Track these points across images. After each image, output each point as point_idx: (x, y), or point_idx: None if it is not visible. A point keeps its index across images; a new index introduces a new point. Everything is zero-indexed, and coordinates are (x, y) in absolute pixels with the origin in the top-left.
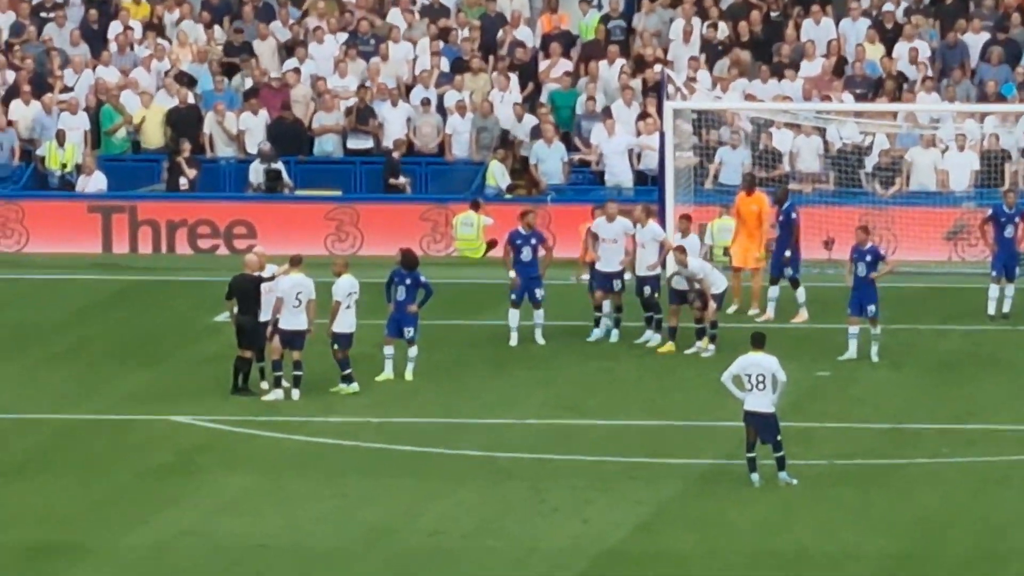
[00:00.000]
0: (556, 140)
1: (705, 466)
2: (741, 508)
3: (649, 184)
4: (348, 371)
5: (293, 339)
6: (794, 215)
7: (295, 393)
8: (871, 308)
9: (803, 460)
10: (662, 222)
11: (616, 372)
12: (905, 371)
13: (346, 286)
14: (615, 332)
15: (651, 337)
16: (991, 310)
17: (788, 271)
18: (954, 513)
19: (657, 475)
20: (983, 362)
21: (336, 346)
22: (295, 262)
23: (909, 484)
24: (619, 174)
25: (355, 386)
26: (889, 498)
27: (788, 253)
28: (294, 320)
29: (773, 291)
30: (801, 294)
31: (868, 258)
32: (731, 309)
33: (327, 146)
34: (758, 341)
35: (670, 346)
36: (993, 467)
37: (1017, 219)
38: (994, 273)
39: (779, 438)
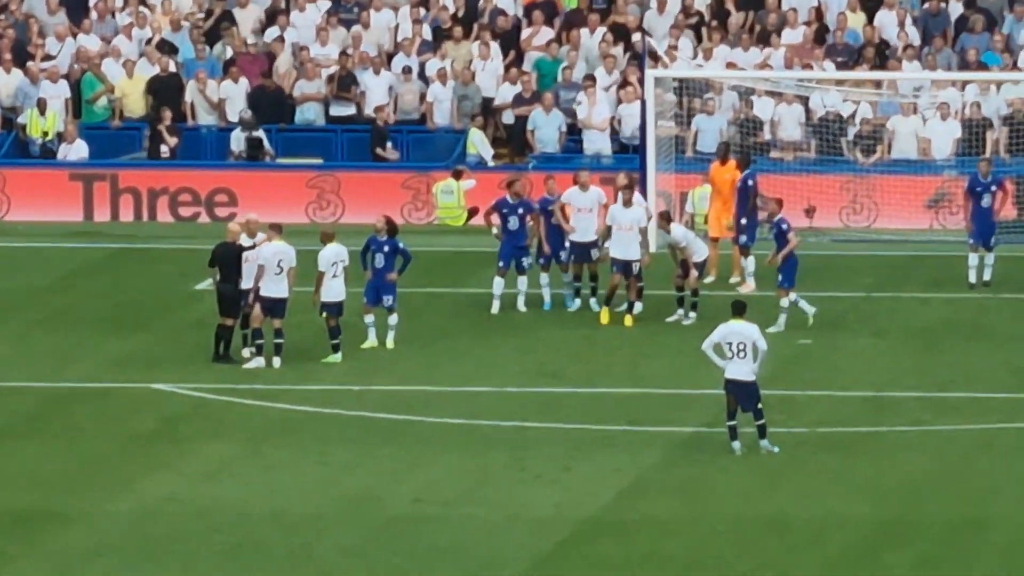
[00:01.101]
0: (554, 109)
1: (686, 434)
2: (723, 475)
3: (630, 152)
4: (337, 340)
5: (274, 306)
6: (751, 182)
7: (276, 361)
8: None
9: (785, 428)
10: (643, 191)
11: (596, 340)
12: (887, 339)
13: (330, 255)
14: (592, 301)
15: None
16: (972, 279)
17: (742, 238)
18: (937, 480)
19: (638, 443)
20: (965, 330)
21: (325, 314)
22: (276, 229)
23: (892, 451)
24: (598, 142)
25: (338, 356)
26: (872, 465)
27: (743, 221)
28: (275, 288)
29: (750, 262)
30: (751, 263)
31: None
32: (709, 279)
33: (309, 114)
34: (739, 309)
35: (606, 312)
36: (975, 434)
37: (993, 188)
38: (971, 241)
39: (760, 406)
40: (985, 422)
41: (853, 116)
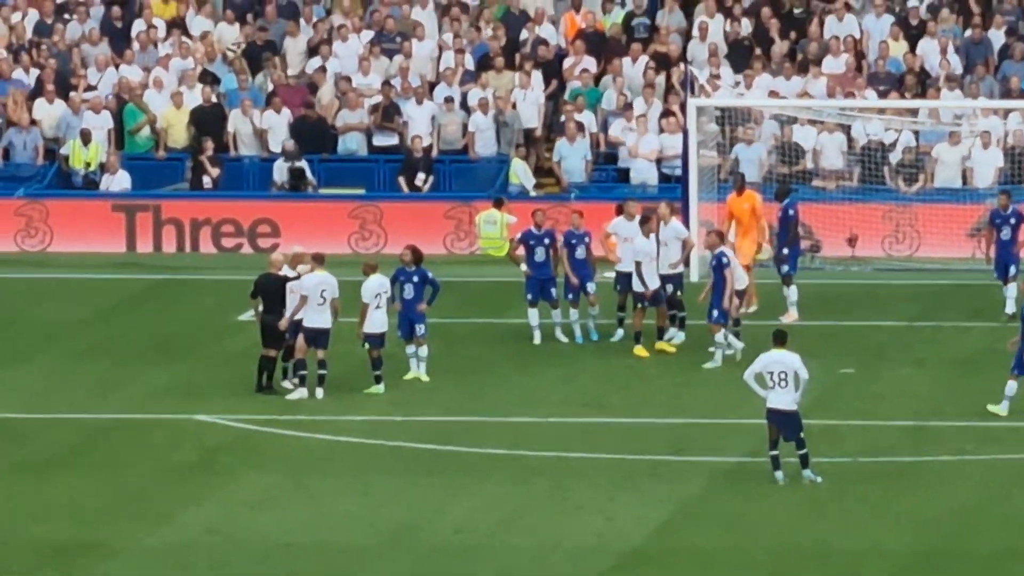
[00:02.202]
0: (579, 138)
1: (729, 463)
2: (765, 506)
3: (672, 182)
4: (379, 372)
5: (317, 337)
6: (792, 212)
7: (319, 392)
8: (713, 313)
9: (827, 457)
10: (685, 220)
11: (639, 369)
12: (928, 368)
13: (374, 286)
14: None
15: (675, 335)
16: (1007, 309)
17: (784, 268)
18: (979, 510)
19: (681, 472)
20: (1006, 359)
21: (368, 346)
22: (318, 260)
23: (933, 481)
24: (645, 172)
25: (381, 387)
26: (913, 495)
27: (785, 251)
28: (318, 318)
29: (792, 292)
30: (793, 292)
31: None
32: (752, 309)
33: (351, 144)
34: (780, 338)
35: (641, 349)
36: (1017, 464)
37: (1013, 220)
38: (995, 275)
39: (802, 435)
40: None
41: (895, 144)
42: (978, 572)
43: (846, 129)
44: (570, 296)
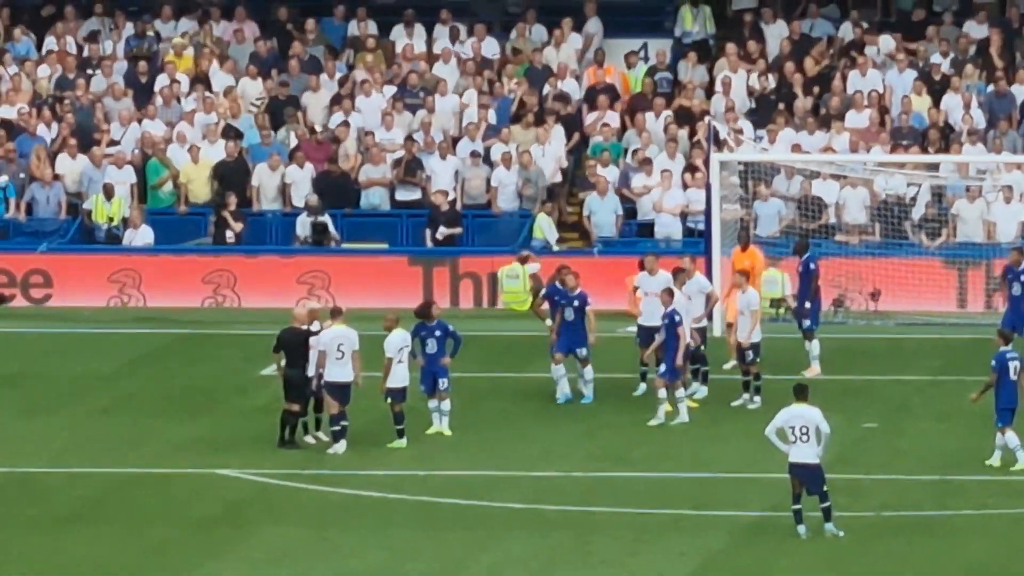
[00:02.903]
0: (610, 192)
1: (751, 518)
2: (788, 560)
3: (696, 236)
4: (402, 426)
5: (337, 391)
6: (812, 266)
7: (336, 448)
8: (661, 368)
9: (850, 512)
10: (709, 274)
11: (661, 424)
12: (952, 422)
13: (397, 341)
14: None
15: (698, 389)
16: None
17: (805, 323)
18: (1001, 564)
19: (703, 527)
20: None
21: (390, 400)
22: (335, 314)
23: (956, 535)
24: (669, 226)
25: (403, 442)
26: (936, 549)
27: (807, 305)
28: (338, 372)
29: (814, 346)
30: (815, 347)
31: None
32: (728, 365)
33: (374, 199)
34: (801, 393)
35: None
36: None
37: (1022, 278)
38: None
39: (825, 489)
40: None
41: (915, 199)
42: None
43: (868, 184)
44: (556, 352)
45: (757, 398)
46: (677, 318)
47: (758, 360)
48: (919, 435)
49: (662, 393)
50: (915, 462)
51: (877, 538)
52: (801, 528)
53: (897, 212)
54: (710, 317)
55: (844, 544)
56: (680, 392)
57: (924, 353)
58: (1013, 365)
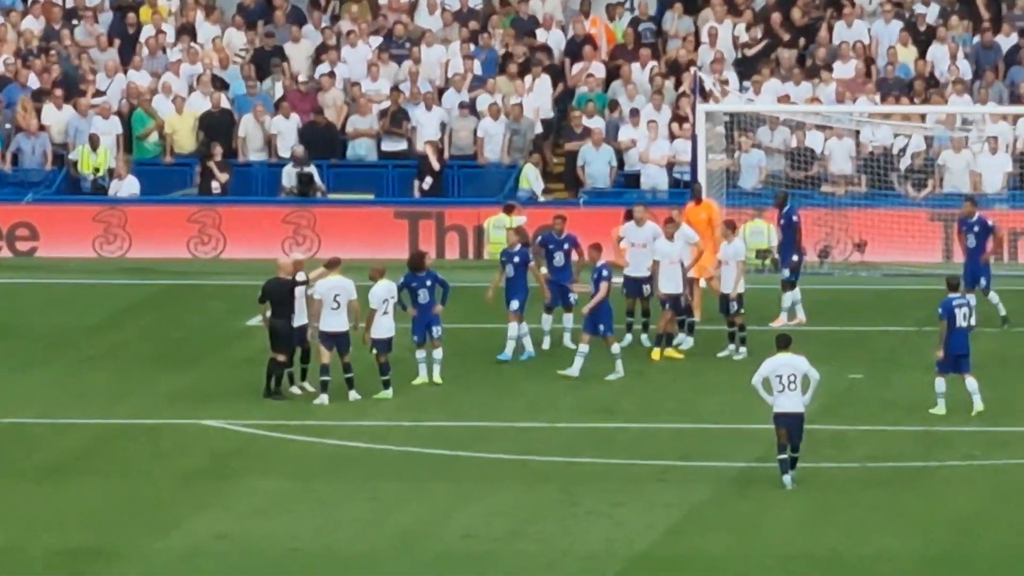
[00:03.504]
0: (604, 144)
1: (737, 469)
2: (774, 511)
3: (682, 187)
4: (387, 376)
5: (334, 341)
6: (795, 218)
7: (352, 394)
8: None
9: (836, 463)
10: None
11: (648, 375)
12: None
13: (381, 292)
14: (643, 337)
15: (684, 340)
16: (1001, 312)
17: (786, 273)
18: (988, 515)
19: (689, 478)
20: (1016, 364)
21: (376, 351)
22: (332, 264)
23: (942, 486)
24: (655, 177)
25: (389, 393)
26: (922, 500)
27: (795, 257)
28: (334, 322)
29: (786, 298)
30: (787, 298)
31: None
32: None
33: (360, 150)
34: (784, 342)
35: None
36: None
37: (977, 228)
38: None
39: (801, 442)
40: None
41: (904, 150)
42: None
43: (855, 135)
44: (546, 302)
45: (743, 349)
46: (605, 272)
47: (743, 311)
48: (905, 386)
49: (615, 348)
50: (901, 413)
51: (863, 489)
52: (786, 478)
53: (883, 163)
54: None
55: (830, 495)
56: (616, 347)
57: (910, 304)
58: (961, 312)
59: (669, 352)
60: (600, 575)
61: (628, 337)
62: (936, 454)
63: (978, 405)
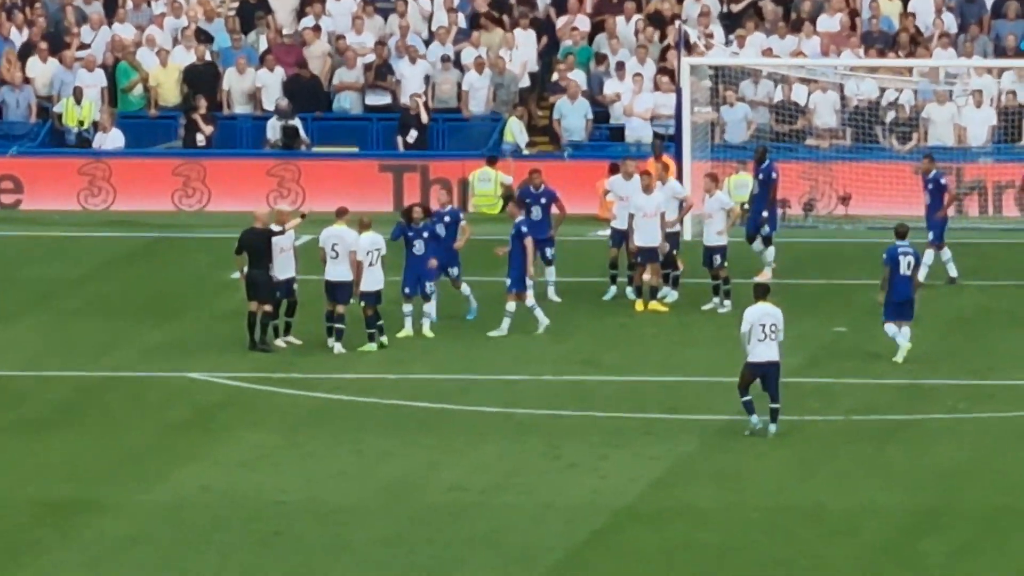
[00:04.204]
0: (580, 97)
1: (722, 421)
2: (758, 464)
3: (666, 141)
4: (373, 330)
5: (332, 291)
6: (774, 174)
7: (337, 346)
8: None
9: (820, 416)
10: (680, 178)
11: (632, 328)
12: (923, 327)
13: (367, 243)
14: (628, 290)
15: (668, 294)
16: (951, 273)
17: (765, 229)
18: (972, 468)
19: (674, 431)
20: (1001, 318)
21: (363, 303)
22: (339, 214)
23: (927, 439)
24: (639, 130)
25: (374, 346)
26: (907, 453)
27: (766, 213)
28: (332, 271)
29: (757, 246)
30: (770, 253)
31: None
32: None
33: (345, 103)
34: (764, 292)
35: (641, 302)
36: (1011, 422)
37: (931, 186)
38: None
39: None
40: (1021, 410)
41: (891, 104)
42: (970, 530)
43: (839, 88)
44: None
45: (727, 302)
46: (524, 229)
47: (726, 264)
48: (889, 339)
49: (510, 306)
50: (885, 366)
51: (847, 442)
52: (755, 418)
53: (868, 116)
54: (682, 222)
55: (814, 448)
56: (511, 305)
57: (939, 261)
58: (906, 260)
59: (654, 305)
60: (584, 528)
61: (613, 289)
62: (920, 407)
63: (900, 355)
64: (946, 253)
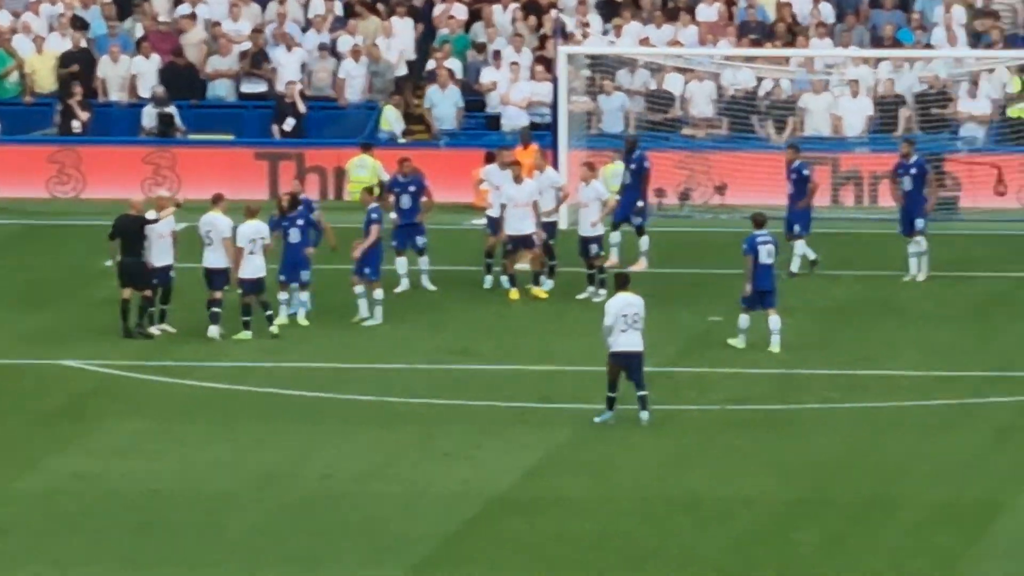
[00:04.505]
0: (451, 85)
1: (597, 411)
2: (632, 453)
3: (543, 129)
4: (249, 318)
5: (208, 278)
6: (646, 163)
7: (213, 329)
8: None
9: (696, 405)
10: (556, 166)
11: (507, 317)
12: (797, 317)
13: (249, 231)
14: (503, 279)
15: (544, 283)
16: (794, 267)
17: (636, 219)
18: (845, 458)
19: (548, 420)
20: (875, 308)
21: (241, 291)
22: (214, 201)
23: (801, 429)
24: (516, 118)
25: (249, 334)
26: (781, 443)
27: (640, 203)
28: (208, 259)
29: (614, 237)
30: (645, 242)
31: None
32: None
33: (220, 90)
34: (625, 281)
35: (515, 291)
36: (884, 412)
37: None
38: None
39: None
40: (894, 400)
41: (769, 94)
42: (844, 520)
43: (716, 78)
44: (394, 243)
45: (603, 291)
46: (375, 216)
47: (603, 253)
48: (764, 329)
49: (358, 290)
50: (760, 356)
51: (722, 432)
52: (608, 415)
53: (744, 106)
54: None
55: (690, 438)
56: (379, 292)
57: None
58: (765, 248)
59: (535, 291)
60: (458, 516)
61: (489, 278)
62: (795, 397)
63: (775, 346)
64: (801, 246)
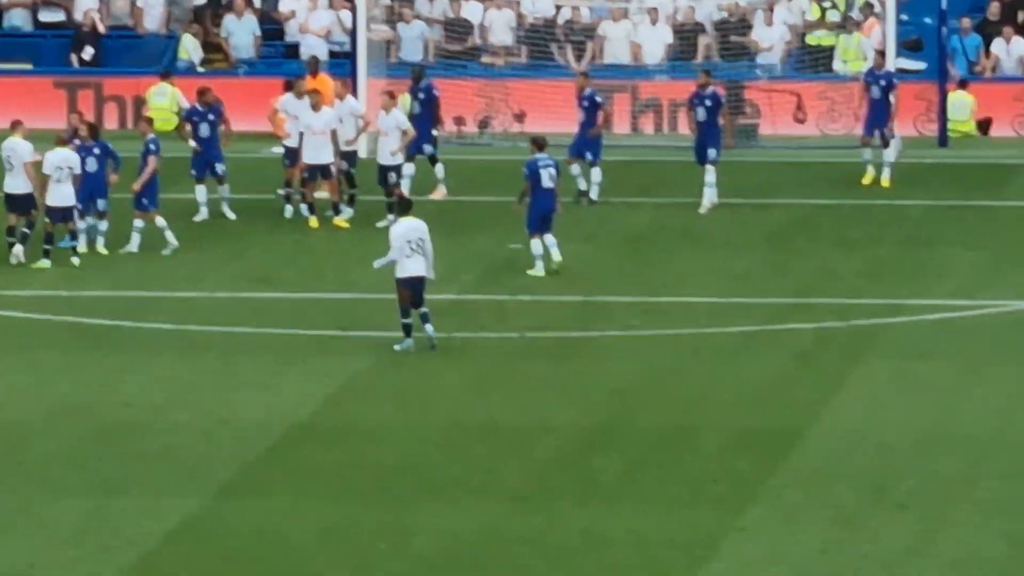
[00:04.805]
0: (247, 13)
1: (396, 339)
2: (433, 381)
3: (341, 58)
4: (50, 247)
5: (8, 203)
6: (435, 92)
7: (17, 248)
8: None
9: (495, 333)
10: (355, 95)
11: (306, 245)
12: (597, 244)
13: (56, 159)
14: (303, 207)
15: (344, 211)
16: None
17: (428, 148)
18: (647, 385)
19: (349, 348)
20: (674, 235)
21: (47, 219)
22: (13, 126)
23: (602, 357)
24: (315, 47)
25: (48, 262)
26: (582, 371)
27: (435, 132)
28: (9, 184)
29: (408, 168)
30: (440, 170)
31: None
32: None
33: (16, 20)
34: (408, 206)
35: (315, 219)
36: (684, 339)
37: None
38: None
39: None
40: (694, 327)
41: (568, 22)
42: (644, 447)
43: (516, 5)
44: (192, 173)
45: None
46: (153, 147)
47: (400, 181)
48: (565, 256)
49: (138, 223)
50: (560, 283)
51: (522, 360)
52: (409, 342)
53: (543, 33)
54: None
55: (489, 366)
56: (160, 221)
57: (570, 175)
58: (547, 172)
59: (337, 221)
60: (258, 444)
61: (289, 208)
62: (595, 324)
63: (556, 256)
64: (576, 169)
